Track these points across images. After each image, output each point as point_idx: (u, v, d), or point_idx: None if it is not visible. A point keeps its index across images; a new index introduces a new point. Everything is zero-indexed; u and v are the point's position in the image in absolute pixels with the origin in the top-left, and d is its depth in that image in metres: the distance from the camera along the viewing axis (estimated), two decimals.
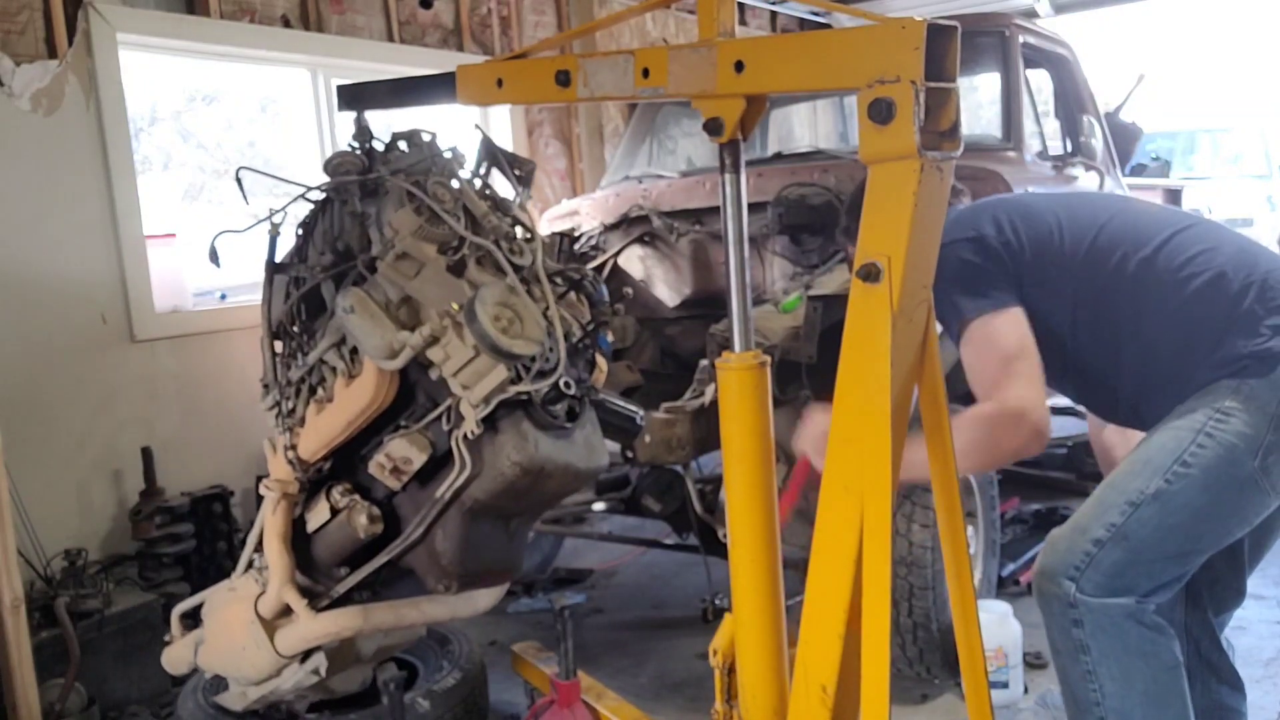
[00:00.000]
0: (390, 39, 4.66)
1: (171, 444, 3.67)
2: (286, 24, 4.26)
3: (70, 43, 3.48)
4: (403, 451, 1.95)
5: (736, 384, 1.56)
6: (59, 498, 3.38)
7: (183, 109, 4.78)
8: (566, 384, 1.94)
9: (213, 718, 2.48)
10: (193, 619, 2.46)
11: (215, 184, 4.86)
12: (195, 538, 3.52)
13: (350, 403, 2.00)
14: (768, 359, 1.59)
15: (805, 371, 2.63)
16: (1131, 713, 1.82)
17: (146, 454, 3.50)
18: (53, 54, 3.45)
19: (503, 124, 5.26)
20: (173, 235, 3.90)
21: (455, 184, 2.06)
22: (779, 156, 3.86)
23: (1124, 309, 1.90)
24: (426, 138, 2.11)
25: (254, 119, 4.82)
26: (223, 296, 4.13)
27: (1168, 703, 1.83)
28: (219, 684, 2.47)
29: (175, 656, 2.44)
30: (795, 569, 1.83)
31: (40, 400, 3.36)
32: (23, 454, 3.12)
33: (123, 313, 3.61)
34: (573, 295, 2.10)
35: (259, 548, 2.24)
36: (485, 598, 2.31)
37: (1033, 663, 3.00)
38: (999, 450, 1.89)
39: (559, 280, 2.07)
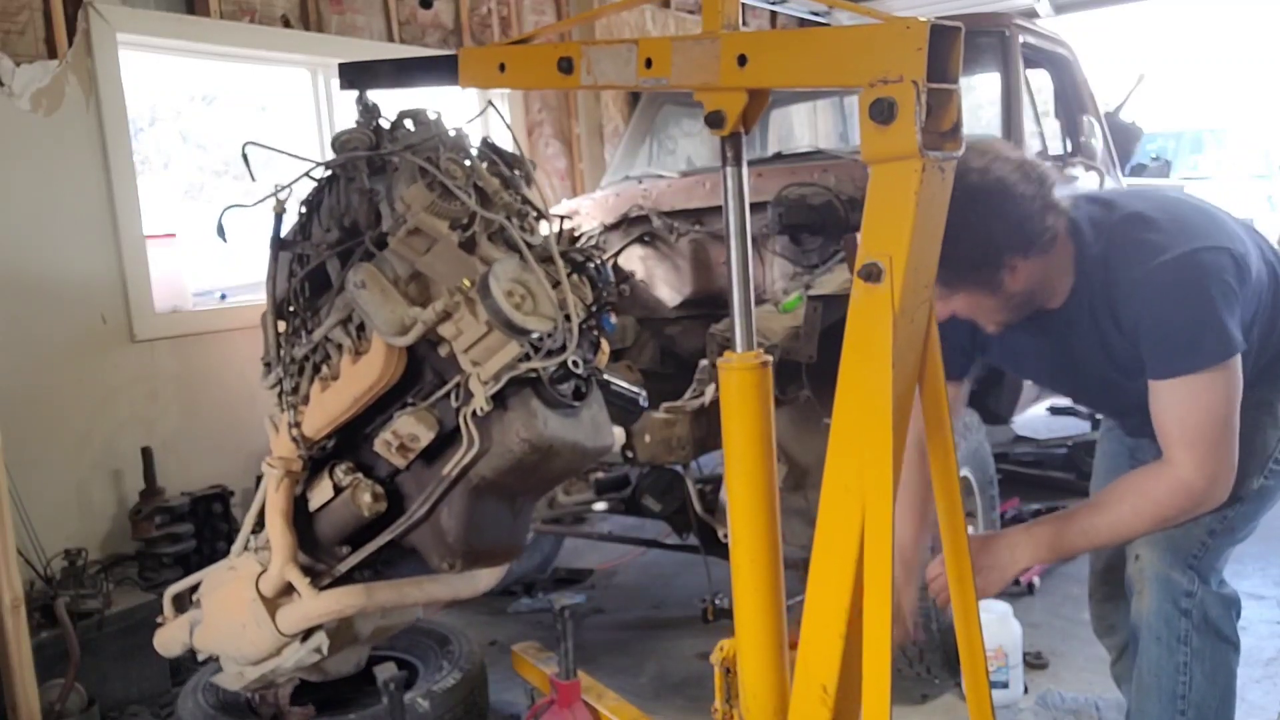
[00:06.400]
0: (390, 39, 4.66)
1: (171, 444, 3.67)
2: (286, 24, 4.26)
3: (70, 43, 3.48)
4: (410, 429, 1.94)
5: (738, 384, 1.56)
6: (59, 498, 3.38)
7: (183, 109, 4.77)
8: (575, 363, 1.94)
9: (212, 718, 2.48)
10: (183, 604, 2.45)
11: (215, 184, 4.85)
12: (195, 538, 3.53)
13: (357, 380, 1.99)
14: (769, 359, 1.58)
15: (805, 371, 2.63)
16: (1210, 707, 1.86)
17: (146, 454, 3.50)
18: (53, 54, 3.45)
19: (502, 123, 5.25)
20: (173, 235, 3.90)
21: (466, 161, 2.06)
22: (779, 156, 3.86)
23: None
24: (432, 116, 2.11)
25: (254, 119, 4.82)
26: (223, 296, 4.13)
27: (1230, 699, 1.90)
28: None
29: (169, 638, 2.42)
30: (795, 569, 1.83)
31: (40, 400, 3.36)
32: (23, 454, 3.12)
33: (123, 313, 3.61)
34: (575, 277, 2.09)
35: (256, 528, 2.24)
36: (487, 577, 2.30)
37: (1033, 663, 3.00)
38: (1181, 518, 1.79)
39: (563, 262, 2.07)
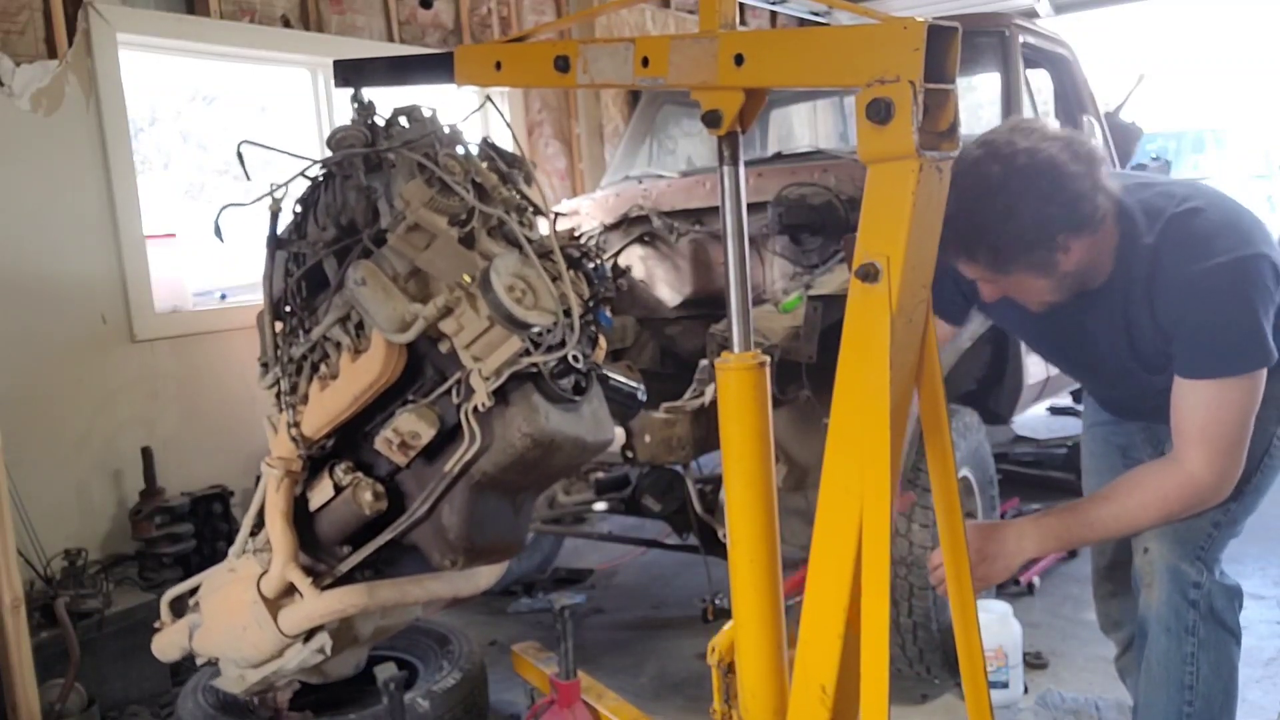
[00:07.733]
0: (390, 39, 4.66)
1: (171, 444, 3.67)
2: (286, 24, 4.26)
3: (70, 43, 3.48)
4: (410, 426, 1.94)
5: (736, 384, 1.56)
6: (59, 498, 3.39)
7: (183, 109, 4.78)
8: (575, 358, 1.94)
9: (212, 718, 2.48)
10: (180, 609, 2.45)
11: (215, 184, 4.85)
12: (195, 538, 3.53)
13: (357, 378, 1.99)
14: (767, 359, 1.58)
15: (805, 371, 2.63)
16: (1215, 699, 1.88)
17: (146, 454, 3.51)
18: (53, 54, 3.45)
19: (501, 124, 5.26)
20: (173, 235, 3.91)
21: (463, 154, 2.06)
22: (779, 156, 3.86)
23: None
24: (427, 113, 2.11)
25: (254, 119, 4.82)
26: (223, 296, 4.13)
27: (1233, 691, 1.91)
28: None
29: (167, 643, 2.41)
30: (795, 569, 1.84)
31: (40, 400, 3.36)
32: (23, 454, 3.12)
33: (123, 313, 3.61)
34: (572, 273, 2.09)
35: (254, 530, 2.24)
36: (488, 575, 2.30)
37: (1033, 663, 3.00)
38: (1185, 513, 1.82)
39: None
